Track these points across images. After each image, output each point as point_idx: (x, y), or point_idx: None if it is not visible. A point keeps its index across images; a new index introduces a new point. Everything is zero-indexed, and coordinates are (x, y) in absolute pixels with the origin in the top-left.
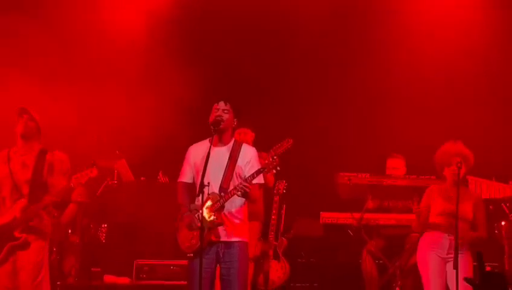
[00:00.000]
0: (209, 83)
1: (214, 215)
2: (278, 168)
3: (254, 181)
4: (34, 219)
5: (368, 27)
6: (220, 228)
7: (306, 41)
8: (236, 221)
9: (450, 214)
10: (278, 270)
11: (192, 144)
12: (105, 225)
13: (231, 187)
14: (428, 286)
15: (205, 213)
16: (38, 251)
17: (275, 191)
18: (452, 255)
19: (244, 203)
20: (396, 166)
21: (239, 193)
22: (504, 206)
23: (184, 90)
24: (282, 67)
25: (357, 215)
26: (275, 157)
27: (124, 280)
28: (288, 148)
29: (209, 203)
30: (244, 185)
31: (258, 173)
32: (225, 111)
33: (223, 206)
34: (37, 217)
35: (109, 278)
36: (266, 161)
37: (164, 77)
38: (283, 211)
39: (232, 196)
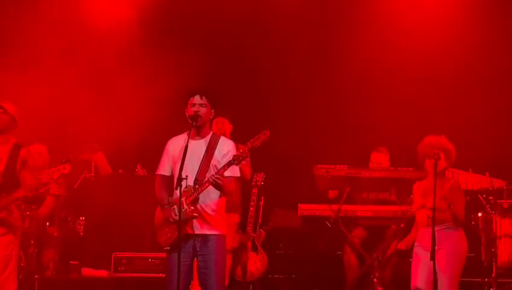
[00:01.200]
0: (186, 74)
1: (189, 208)
2: (247, 159)
3: (229, 174)
4: (4, 212)
5: (348, 19)
6: (196, 221)
7: (285, 33)
8: (212, 213)
9: (425, 207)
10: (256, 262)
11: (170, 136)
12: (83, 218)
13: (208, 178)
14: (414, 279)
15: (181, 206)
16: (7, 245)
17: (253, 183)
18: (437, 248)
19: (220, 196)
20: (379, 160)
21: (211, 184)
22: (481, 197)
23: (161, 82)
24: (260, 59)
25: (334, 207)
26: (244, 148)
27: (102, 273)
28: (265, 141)
29: (185, 197)
30: (216, 177)
31: (228, 165)
32: (202, 105)
33: (197, 199)
34: (7, 210)
35: (87, 271)
36: (236, 153)
37: (141, 69)
38: (261, 203)
39: (205, 188)
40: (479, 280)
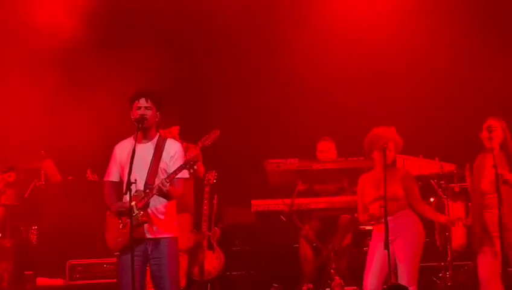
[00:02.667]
0: (132, 76)
1: (140, 213)
2: (196, 167)
3: (178, 176)
4: None
5: (292, 12)
6: (147, 225)
7: (231, 29)
8: (163, 217)
9: (380, 198)
10: (213, 261)
11: (119, 139)
12: (36, 227)
13: (156, 183)
14: (367, 275)
15: (132, 211)
16: None
17: (205, 182)
18: (394, 237)
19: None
20: (325, 148)
21: (157, 193)
22: (432, 182)
23: (106, 86)
24: (205, 57)
25: (288, 201)
26: (195, 152)
27: (58, 282)
28: (215, 139)
29: (134, 201)
30: (161, 184)
31: (179, 170)
32: (148, 108)
33: (148, 203)
34: None
35: (42, 281)
36: (187, 158)
37: (88, 73)
38: (215, 201)
39: (153, 195)
40: (435, 264)
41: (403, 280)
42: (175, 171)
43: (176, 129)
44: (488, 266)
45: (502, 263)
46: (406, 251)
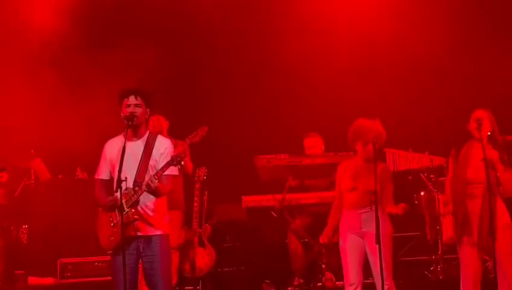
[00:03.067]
0: (120, 73)
1: (130, 210)
2: (182, 163)
3: (167, 173)
4: None
5: (280, 8)
6: (138, 223)
7: (220, 27)
8: (154, 214)
9: (357, 189)
10: (204, 257)
11: (108, 137)
12: (26, 226)
13: (146, 180)
14: (347, 269)
15: (121, 208)
16: None
17: (195, 178)
18: (364, 230)
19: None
20: (313, 144)
21: (146, 190)
22: (423, 176)
23: (97, 83)
24: (195, 54)
25: (278, 196)
26: (181, 148)
27: (49, 281)
28: (203, 136)
29: (125, 199)
30: (149, 181)
31: (167, 166)
32: (137, 105)
33: (137, 201)
34: None
35: (33, 280)
36: (174, 154)
37: (77, 72)
38: (205, 198)
39: (143, 192)
40: (426, 257)
41: (378, 275)
42: (162, 167)
43: (165, 124)
44: (468, 256)
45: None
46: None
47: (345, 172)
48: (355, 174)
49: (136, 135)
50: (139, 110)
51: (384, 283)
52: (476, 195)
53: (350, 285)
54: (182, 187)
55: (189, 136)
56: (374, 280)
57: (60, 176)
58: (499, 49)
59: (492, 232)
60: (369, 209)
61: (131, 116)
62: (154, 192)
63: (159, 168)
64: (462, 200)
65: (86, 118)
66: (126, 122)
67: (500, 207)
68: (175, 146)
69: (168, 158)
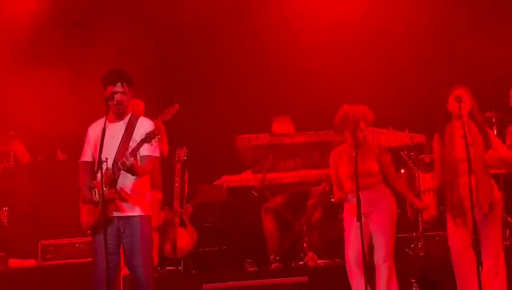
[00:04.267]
0: (98, 54)
1: (108, 190)
2: (159, 135)
3: (146, 153)
4: None
5: None
6: (118, 203)
7: (196, 6)
8: (133, 195)
9: (354, 174)
10: (185, 237)
11: (88, 118)
12: (6, 208)
13: (120, 160)
14: (348, 247)
15: (101, 189)
16: None
17: (176, 159)
18: (369, 210)
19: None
20: (282, 128)
21: (122, 168)
22: (403, 154)
23: (80, 65)
24: (173, 33)
25: (259, 176)
26: (153, 125)
27: (30, 262)
28: (175, 114)
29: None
30: (124, 159)
31: (140, 144)
32: (124, 93)
33: (115, 181)
34: None
35: (14, 262)
36: (147, 132)
37: (57, 52)
38: (186, 178)
39: (119, 171)
40: (407, 235)
41: (380, 254)
42: (137, 145)
43: (141, 106)
44: (460, 236)
45: (474, 232)
46: (382, 224)
47: (340, 159)
48: (351, 160)
49: (118, 117)
50: (125, 98)
51: (386, 262)
52: (466, 173)
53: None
54: (159, 167)
55: (161, 115)
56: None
57: (39, 158)
58: (476, 27)
59: (478, 209)
60: (371, 191)
61: (118, 104)
62: (130, 170)
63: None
64: (455, 179)
65: (65, 99)
66: (107, 103)
67: (489, 183)
68: None
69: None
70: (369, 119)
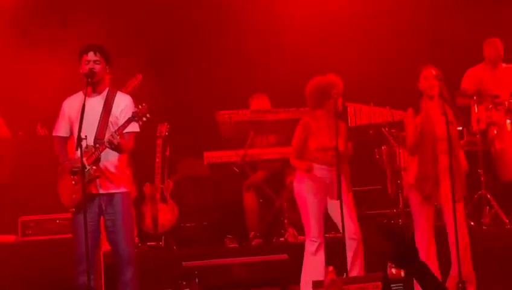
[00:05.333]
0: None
1: (91, 168)
2: (148, 115)
3: (128, 130)
4: None
5: None
6: (100, 180)
7: None
8: (116, 171)
9: (327, 148)
10: (166, 213)
11: (67, 91)
12: None
13: (107, 137)
14: (308, 227)
15: (81, 166)
16: None
17: (157, 134)
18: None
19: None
20: (260, 105)
21: (108, 146)
22: (384, 130)
23: (60, 40)
24: (155, 8)
25: (240, 152)
26: (143, 104)
27: (10, 238)
28: (137, 85)
29: (86, 156)
30: (111, 137)
31: (128, 122)
32: (96, 62)
33: (99, 158)
34: None
35: None
36: (135, 110)
37: (38, 26)
38: (167, 154)
39: (105, 148)
40: (387, 211)
41: (350, 227)
42: (124, 123)
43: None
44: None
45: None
46: (348, 200)
47: (313, 130)
48: (325, 133)
49: (96, 91)
50: (98, 67)
51: (356, 235)
52: (445, 150)
53: (313, 241)
54: None
55: (124, 86)
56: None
57: (20, 133)
58: (457, 6)
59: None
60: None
61: (91, 73)
62: (116, 148)
63: (121, 124)
64: (435, 156)
65: (45, 74)
66: (86, 79)
67: (463, 159)
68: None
69: (129, 114)
70: (342, 88)
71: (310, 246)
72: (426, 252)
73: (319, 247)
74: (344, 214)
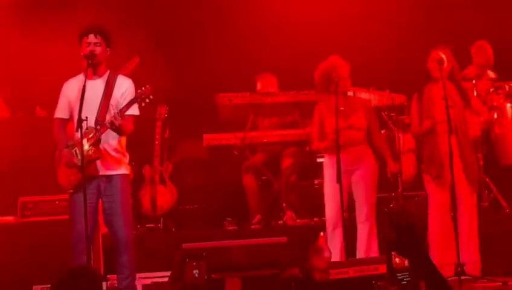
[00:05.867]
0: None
1: (91, 149)
2: (151, 97)
3: (128, 113)
4: None
5: None
6: (99, 162)
7: None
8: (115, 153)
9: (344, 128)
10: (165, 195)
11: (68, 73)
12: None
13: (107, 119)
14: (327, 206)
15: (83, 148)
16: None
17: (156, 116)
18: (353, 168)
19: (122, 135)
20: (267, 86)
21: (110, 127)
22: (383, 114)
23: (60, 21)
24: None
25: (240, 134)
26: (147, 86)
27: (9, 219)
28: (135, 67)
29: (86, 138)
30: (113, 118)
31: (130, 104)
32: (97, 44)
33: (99, 140)
34: None
35: None
36: (139, 91)
37: (38, 8)
38: (166, 136)
39: (106, 129)
40: (386, 194)
41: (361, 213)
42: (127, 105)
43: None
44: (441, 200)
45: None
46: (365, 183)
47: (327, 113)
48: (341, 114)
49: (96, 74)
50: (98, 49)
51: (367, 221)
52: (446, 133)
53: (330, 221)
54: None
55: (121, 69)
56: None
57: (19, 114)
58: None
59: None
60: (357, 148)
61: (91, 55)
62: (118, 130)
63: (123, 106)
64: (437, 138)
65: (45, 55)
66: (86, 60)
67: (471, 148)
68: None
69: (130, 98)
70: (347, 68)
71: (328, 226)
72: (438, 235)
73: (335, 227)
74: (359, 197)
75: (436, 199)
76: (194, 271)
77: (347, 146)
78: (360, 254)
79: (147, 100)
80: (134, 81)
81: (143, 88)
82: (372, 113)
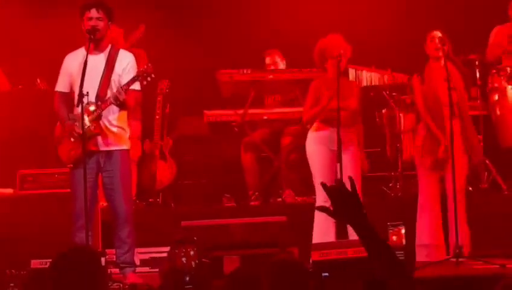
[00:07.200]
0: None
1: (92, 124)
2: (153, 75)
3: (133, 88)
4: None
5: None
6: (99, 137)
7: None
8: (115, 129)
9: (345, 108)
10: (165, 170)
11: (67, 47)
12: None
13: (109, 95)
14: (317, 180)
15: (84, 123)
16: None
17: (158, 91)
18: (344, 148)
19: (122, 110)
20: (274, 61)
21: (114, 102)
22: (384, 93)
23: None
24: None
25: (240, 111)
26: (149, 64)
27: (8, 191)
28: (140, 36)
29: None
30: (118, 93)
31: (132, 81)
32: (99, 19)
33: (100, 115)
34: None
35: None
36: (141, 69)
37: None
38: (167, 111)
39: (109, 105)
40: (385, 174)
41: None
42: (131, 80)
43: (121, 33)
44: (435, 184)
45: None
46: (355, 166)
47: (323, 90)
48: (334, 92)
49: (98, 49)
50: (100, 24)
51: None
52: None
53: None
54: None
55: (129, 39)
56: None
57: (20, 86)
58: None
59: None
60: (347, 130)
61: (93, 30)
62: (121, 104)
63: (125, 81)
64: (443, 122)
65: (46, 26)
66: (88, 35)
67: (474, 129)
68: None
69: (132, 72)
70: (348, 49)
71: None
72: (429, 220)
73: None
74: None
75: (428, 183)
76: (183, 258)
77: (339, 126)
78: (353, 235)
79: (149, 78)
80: (136, 54)
81: (145, 66)
82: (360, 97)
